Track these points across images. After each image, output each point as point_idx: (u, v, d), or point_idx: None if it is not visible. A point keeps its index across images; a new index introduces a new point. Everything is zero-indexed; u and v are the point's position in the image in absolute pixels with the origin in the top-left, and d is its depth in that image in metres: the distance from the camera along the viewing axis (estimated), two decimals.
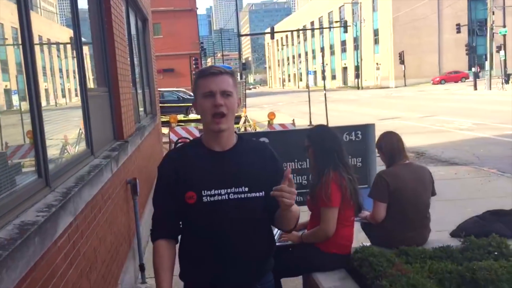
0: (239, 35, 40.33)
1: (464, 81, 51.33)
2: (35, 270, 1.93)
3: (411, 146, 12.92)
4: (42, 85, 2.78)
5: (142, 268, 4.68)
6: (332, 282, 2.87)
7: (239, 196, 1.96)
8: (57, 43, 3.94)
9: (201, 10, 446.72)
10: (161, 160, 2.10)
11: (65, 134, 3.50)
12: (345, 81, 75.66)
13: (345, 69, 75.97)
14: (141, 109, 7.82)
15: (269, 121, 12.09)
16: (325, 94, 17.62)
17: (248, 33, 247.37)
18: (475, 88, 36.05)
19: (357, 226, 3.69)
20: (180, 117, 17.20)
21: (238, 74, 45.61)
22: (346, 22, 45.46)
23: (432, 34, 59.56)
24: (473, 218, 3.74)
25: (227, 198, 1.94)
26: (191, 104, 25.01)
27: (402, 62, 55.05)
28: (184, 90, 29.58)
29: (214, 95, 1.90)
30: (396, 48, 58.09)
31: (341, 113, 23.20)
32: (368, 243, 3.72)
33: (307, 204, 3.41)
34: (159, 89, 13.51)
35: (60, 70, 3.88)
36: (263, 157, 2.07)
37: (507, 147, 11.39)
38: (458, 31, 43.99)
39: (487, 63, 35.80)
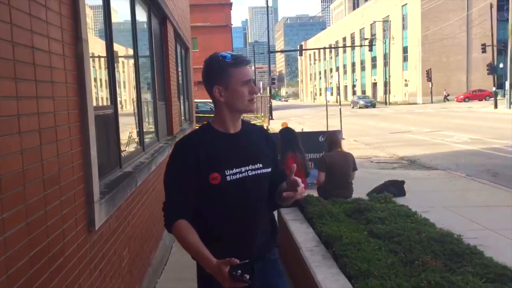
0: (269, 52, 43.12)
1: (488, 100, 52.22)
2: (142, 184, 4.43)
3: (407, 155, 15.05)
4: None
5: None
6: (288, 211, 5.28)
7: (256, 172, 2.11)
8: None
9: (236, 23, 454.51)
10: (174, 147, 2.15)
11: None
12: (374, 96, 77.35)
13: (375, 84, 77.74)
14: (183, 117, 10.42)
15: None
16: (340, 108, 19.97)
17: (283, 46, 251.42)
18: (495, 107, 37.52)
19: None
20: None
21: (268, 88, 48.48)
22: (371, 41, 47.49)
23: (460, 52, 60.78)
24: (380, 185, 6.14)
25: (247, 175, 2.08)
26: None
27: (429, 79, 56.52)
28: None
29: (251, 82, 2.08)
30: (424, 66, 59.51)
31: (358, 126, 25.31)
32: None
33: None
34: (195, 100, 16.17)
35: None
36: (264, 137, 2.27)
37: (485, 158, 13.31)
38: (484, 51, 45.31)
39: (507, 83, 37.23)
